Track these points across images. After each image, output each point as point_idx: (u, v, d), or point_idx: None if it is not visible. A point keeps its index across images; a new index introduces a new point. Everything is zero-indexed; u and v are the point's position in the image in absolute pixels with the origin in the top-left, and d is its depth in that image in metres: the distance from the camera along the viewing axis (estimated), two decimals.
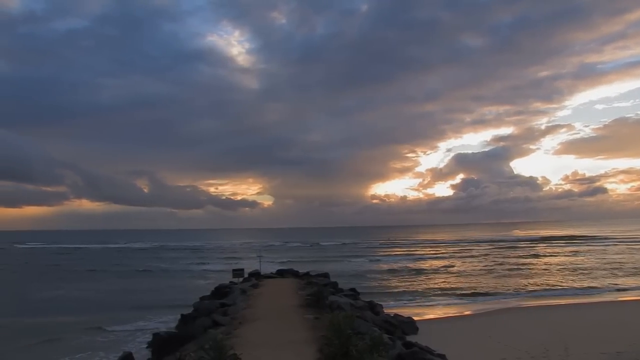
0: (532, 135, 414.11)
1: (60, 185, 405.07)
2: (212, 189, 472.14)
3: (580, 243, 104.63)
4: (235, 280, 33.28)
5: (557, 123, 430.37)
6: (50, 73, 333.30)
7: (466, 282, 46.32)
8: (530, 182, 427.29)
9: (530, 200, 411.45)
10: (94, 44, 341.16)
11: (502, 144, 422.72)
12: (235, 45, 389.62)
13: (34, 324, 28.90)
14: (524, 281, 46.50)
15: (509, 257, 75.86)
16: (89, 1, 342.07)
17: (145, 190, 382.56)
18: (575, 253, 79.90)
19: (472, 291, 40.52)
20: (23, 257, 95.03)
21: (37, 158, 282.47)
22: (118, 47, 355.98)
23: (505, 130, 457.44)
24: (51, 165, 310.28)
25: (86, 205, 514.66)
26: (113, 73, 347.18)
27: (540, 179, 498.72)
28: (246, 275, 35.03)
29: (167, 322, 27.93)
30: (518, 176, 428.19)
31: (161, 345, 18.42)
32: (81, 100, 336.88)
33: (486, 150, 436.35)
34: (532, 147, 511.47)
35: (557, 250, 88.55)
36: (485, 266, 62.09)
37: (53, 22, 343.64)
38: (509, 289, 41.44)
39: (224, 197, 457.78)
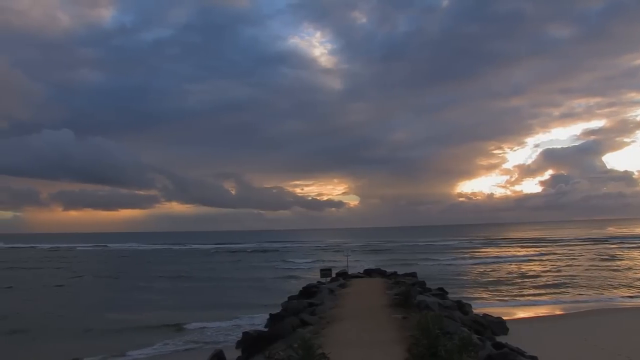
0: (627, 128, 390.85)
1: (151, 189, 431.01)
2: (297, 190, 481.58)
3: None
4: (323, 280, 33.76)
5: None
6: (140, 81, 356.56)
7: (560, 282, 44.41)
8: (625, 177, 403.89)
9: (625, 196, 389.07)
10: (179, 51, 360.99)
11: (593, 137, 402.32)
12: (317, 46, 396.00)
13: (125, 319, 30.95)
14: (626, 281, 43.93)
15: (609, 256, 71.72)
16: (172, 11, 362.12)
17: (233, 192, 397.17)
18: None
19: (569, 292, 38.89)
20: (119, 258, 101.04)
21: (130, 163, 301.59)
22: (202, 53, 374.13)
23: (597, 123, 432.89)
24: (143, 170, 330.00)
25: (176, 207, 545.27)
26: (198, 79, 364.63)
27: (636, 173, 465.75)
28: (334, 275, 35.44)
29: (256, 321, 28.66)
30: (611, 171, 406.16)
31: (250, 343, 18.81)
32: (169, 106, 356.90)
33: (576, 144, 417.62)
34: (626, 140, 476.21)
35: None
36: (580, 264, 59.29)
37: (141, 33, 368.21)
38: (607, 289, 39.34)
39: (309, 198, 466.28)
